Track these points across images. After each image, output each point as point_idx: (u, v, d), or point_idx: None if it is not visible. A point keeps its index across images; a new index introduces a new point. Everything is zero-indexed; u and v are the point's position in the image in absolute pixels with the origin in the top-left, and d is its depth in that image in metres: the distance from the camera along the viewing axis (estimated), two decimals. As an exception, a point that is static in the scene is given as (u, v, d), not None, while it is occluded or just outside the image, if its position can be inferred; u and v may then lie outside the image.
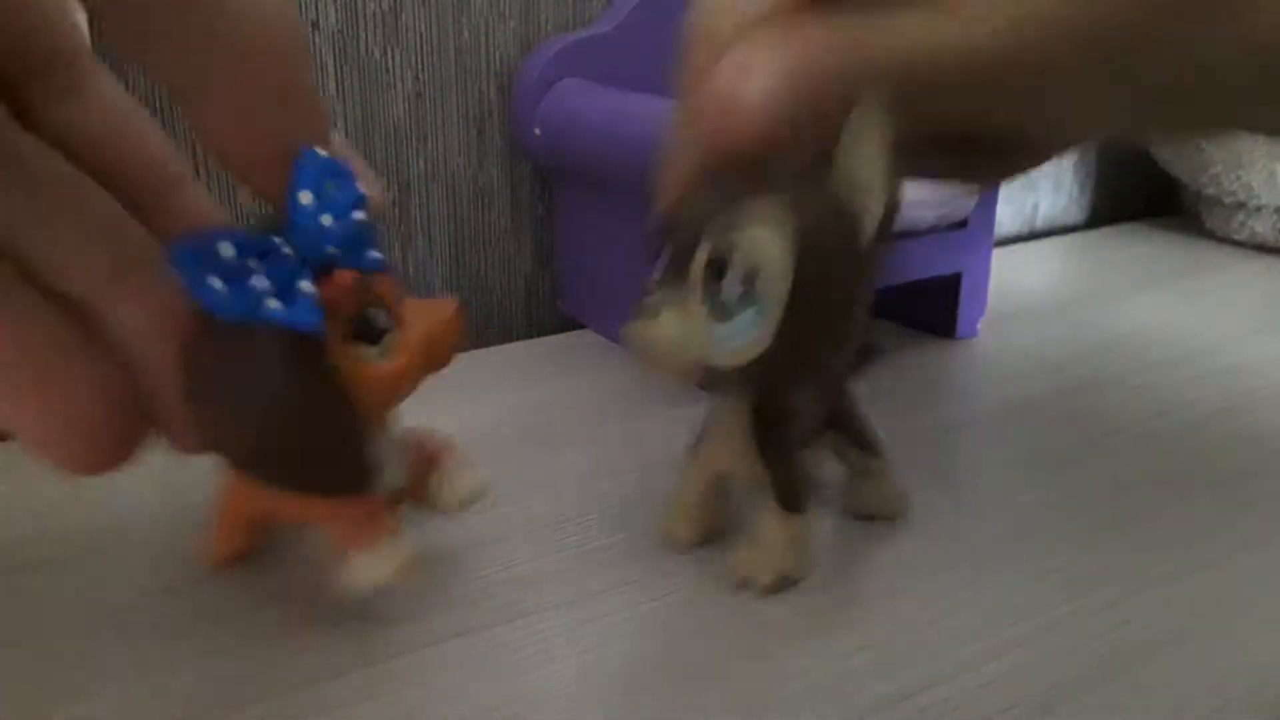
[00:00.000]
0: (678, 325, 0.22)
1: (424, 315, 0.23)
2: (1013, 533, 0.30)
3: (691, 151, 0.23)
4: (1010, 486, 0.33)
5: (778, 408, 0.26)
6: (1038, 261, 0.61)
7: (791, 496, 0.26)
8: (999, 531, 0.30)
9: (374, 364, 0.22)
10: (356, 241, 0.21)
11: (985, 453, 0.36)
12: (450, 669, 0.24)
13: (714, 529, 0.29)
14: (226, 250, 0.19)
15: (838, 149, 0.22)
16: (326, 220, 0.21)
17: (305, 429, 0.21)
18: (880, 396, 0.40)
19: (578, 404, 0.39)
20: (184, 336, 0.21)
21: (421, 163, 0.47)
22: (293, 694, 0.23)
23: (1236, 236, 0.64)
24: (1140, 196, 0.75)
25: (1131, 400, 0.40)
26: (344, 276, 0.21)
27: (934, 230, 0.43)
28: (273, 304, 0.20)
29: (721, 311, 0.22)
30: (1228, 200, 0.63)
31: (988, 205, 0.45)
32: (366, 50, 0.44)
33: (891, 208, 0.23)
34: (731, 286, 0.22)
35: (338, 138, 0.22)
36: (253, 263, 0.20)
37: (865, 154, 0.22)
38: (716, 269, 0.22)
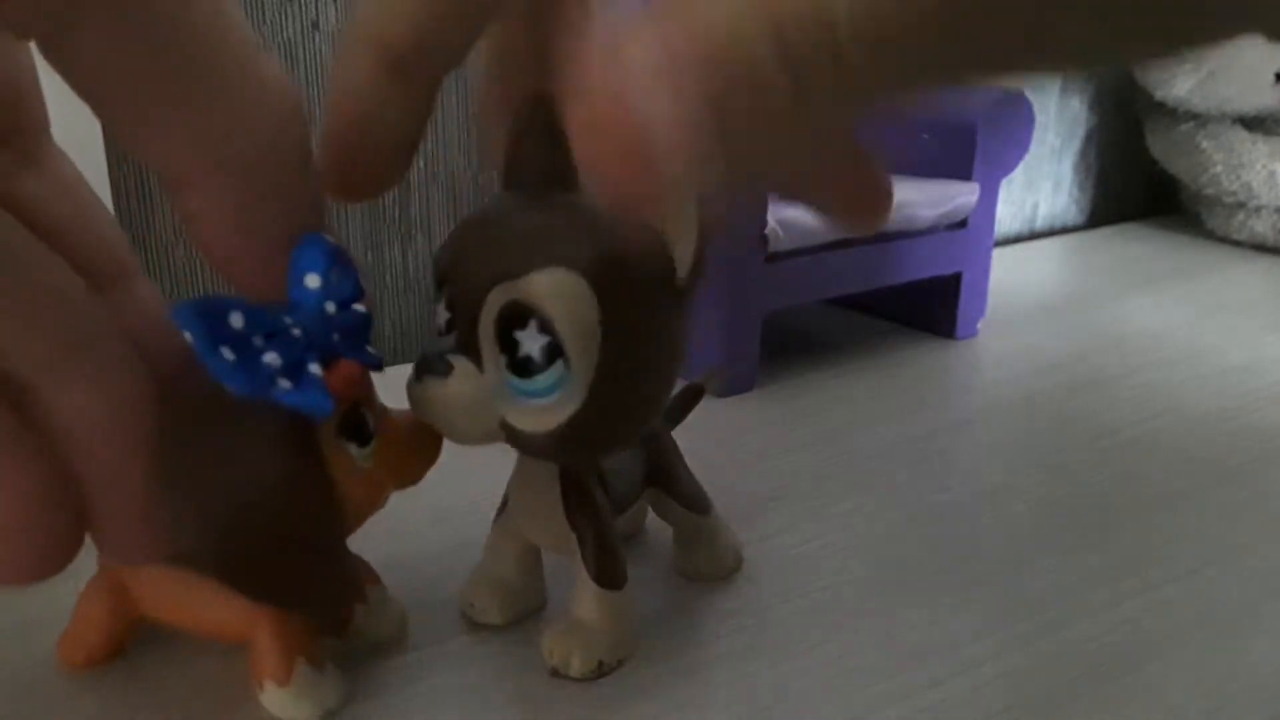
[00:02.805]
0: (472, 383, 0.20)
1: (404, 429, 0.21)
2: (1012, 533, 0.30)
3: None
4: (1010, 486, 0.33)
5: (589, 471, 0.23)
6: (1038, 261, 0.61)
7: (608, 572, 0.23)
8: (998, 531, 0.30)
9: (362, 466, 0.20)
10: (358, 333, 0.20)
11: (985, 453, 0.36)
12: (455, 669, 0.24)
13: (526, 606, 0.26)
14: (236, 320, 0.18)
15: None
16: (330, 308, 0.19)
17: (300, 526, 0.19)
18: (880, 396, 0.40)
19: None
20: (142, 424, 0.18)
21: (421, 163, 0.47)
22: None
23: (1236, 236, 0.64)
24: (1140, 196, 0.75)
25: (1131, 400, 0.40)
26: (350, 367, 0.19)
27: (934, 230, 0.43)
28: (284, 384, 0.18)
29: (524, 367, 0.19)
30: (1228, 200, 0.63)
31: (988, 205, 0.45)
32: (366, 50, 0.44)
33: (705, 233, 0.19)
34: (531, 339, 0.19)
35: (333, 234, 0.21)
36: (258, 340, 0.18)
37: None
38: (514, 318, 0.19)
